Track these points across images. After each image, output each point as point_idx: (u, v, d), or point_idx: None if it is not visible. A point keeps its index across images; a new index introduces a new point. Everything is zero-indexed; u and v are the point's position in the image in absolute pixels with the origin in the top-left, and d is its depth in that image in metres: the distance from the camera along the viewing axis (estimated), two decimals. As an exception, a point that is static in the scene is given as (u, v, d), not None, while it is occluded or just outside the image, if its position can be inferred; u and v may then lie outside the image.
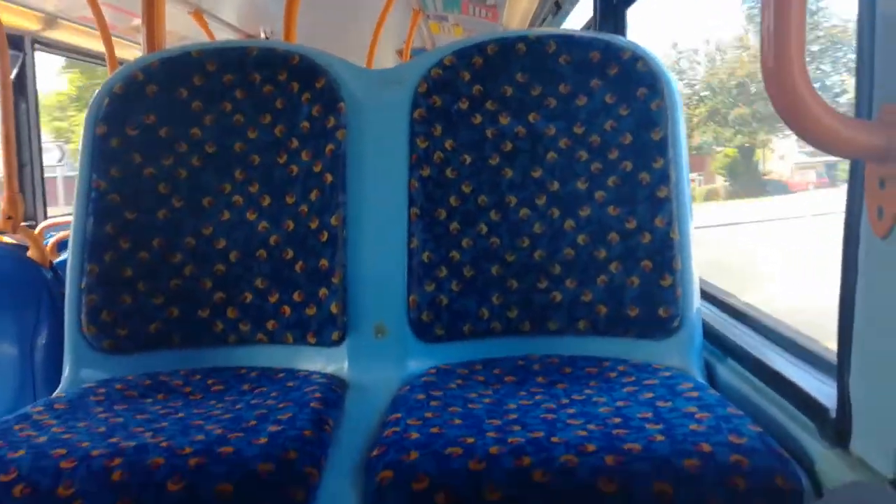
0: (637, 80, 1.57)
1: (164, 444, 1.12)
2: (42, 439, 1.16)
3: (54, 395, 1.46)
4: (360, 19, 5.17)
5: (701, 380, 1.42)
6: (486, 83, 1.62)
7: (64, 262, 1.69)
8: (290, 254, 1.60)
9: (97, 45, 4.00)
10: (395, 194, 1.59)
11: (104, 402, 1.37)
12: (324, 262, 1.56)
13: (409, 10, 5.10)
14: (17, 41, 3.53)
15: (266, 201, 1.63)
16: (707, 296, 1.70)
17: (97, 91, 1.69)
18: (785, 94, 0.86)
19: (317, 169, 1.60)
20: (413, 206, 1.57)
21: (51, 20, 3.95)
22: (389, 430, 1.18)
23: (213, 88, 1.66)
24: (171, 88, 1.66)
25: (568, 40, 1.62)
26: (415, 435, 1.13)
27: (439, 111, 1.61)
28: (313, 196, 1.60)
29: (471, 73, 1.62)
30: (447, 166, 1.59)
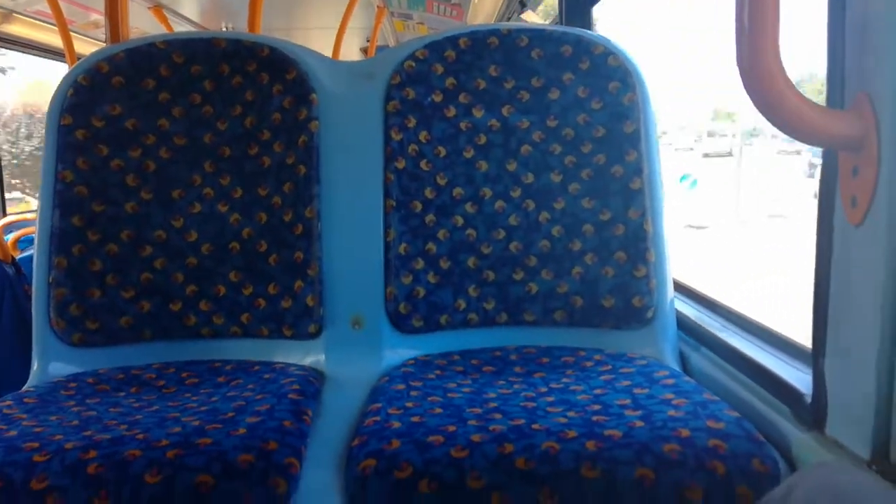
0: (609, 75, 1.58)
1: (140, 436, 1.10)
2: (13, 433, 1.13)
3: (23, 389, 1.42)
4: (324, 17, 5.13)
5: (676, 368, 1.44)
6: (459, 76, 1.62)
7: (26, 259, 1.65)
8: (264, 246, 1.58)
9: (55, 40, 3.91)
10: (369, 186, 1.58)
11: (76, 396, 1.34)
12: (299, 255, 1.55)
13: (373, 8, 5.08)
14: (-30, 35, 3.43)
15: (238, 193, 1.61)
16: (680, 287, 1.73)
17: (60, 82, 1.65)
18: (760, 83, 0.87)
19: (290, 161, 1.59)
20: (388, 198, 1.57)
21: (6, 14, 3.84)
22: (370, 420, 1.17)
23: (181, 80, 1.64)
24: (137, 80, 1.63)
25: (540, 34, 1.63)
26: (396, 424, 1.13)
27: (413, 103, 1.61)
28: (287, 188, 1.58)
29: (444, 66, 1.62)
30: (422, 159, 1.59)
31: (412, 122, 1.60)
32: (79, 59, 2.43)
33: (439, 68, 1.62)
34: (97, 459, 1.04)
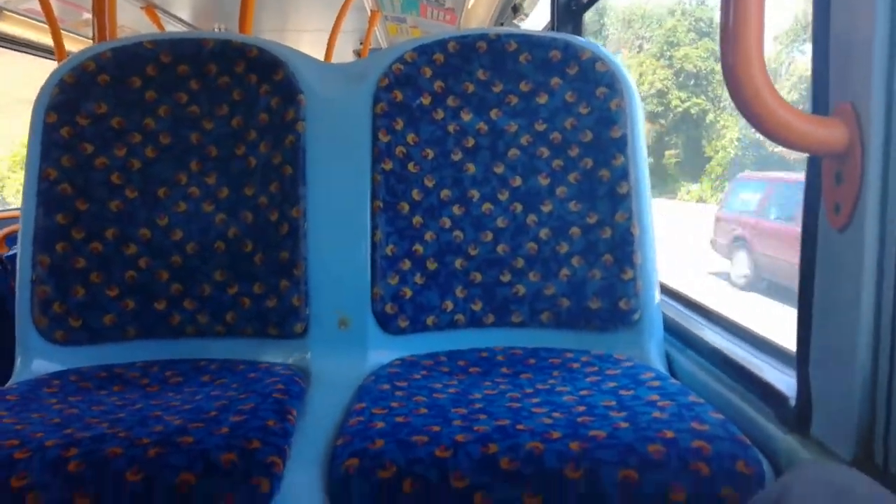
0: (596, 80, 1.59)
1: (121, 434, 1.09)
2: None
3: (6, 386, 1.41)
4: (318, 19, 5.14)
5: (662, 370, 1.45)
6: (447, 79, 1.62)
7: (13, 256, 1.64)
8: (250, 246, 1.57)
9: (45, 39, 3.90)
10: (356, 187, 1.58)
11: (58, 394, 1.33)
12: (284, 255, 1.54)
13: (367, 12, 5.09)
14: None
15: (224, 193, 1.61)
16: (667, 290, 1.73)
17: (46, 79, 1.64)
18: (745, 90, 0.88)
19: (276, 161, 1.59)
20: (375, 199, 1.57)
21: (-4, 11, 3.83)
22: (354, 420, 1.17)
23: (168, 79, 1.63)
24: (123, 78, 1.62)
25: (528, 39, 1.64)
26: (380, 424, 1.13)
27: (401, 106, 1.61)
28: (273, 188, 1.58)
29: (432, 70, 1.62)
30: (409, 160, 1.59)
31: (400, 125, 1.60)
32: None
33: (428, 71, 1.62)
34: (78, 457, 1.03)
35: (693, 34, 18.35)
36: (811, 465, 0.93)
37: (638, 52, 19.01)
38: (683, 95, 17.90)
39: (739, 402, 1.21)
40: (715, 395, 1.27)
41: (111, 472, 1.01)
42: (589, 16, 2.80)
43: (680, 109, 17.67)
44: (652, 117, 17.10)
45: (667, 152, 17.20)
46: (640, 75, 17.70)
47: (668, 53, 18.22)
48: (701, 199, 15.95)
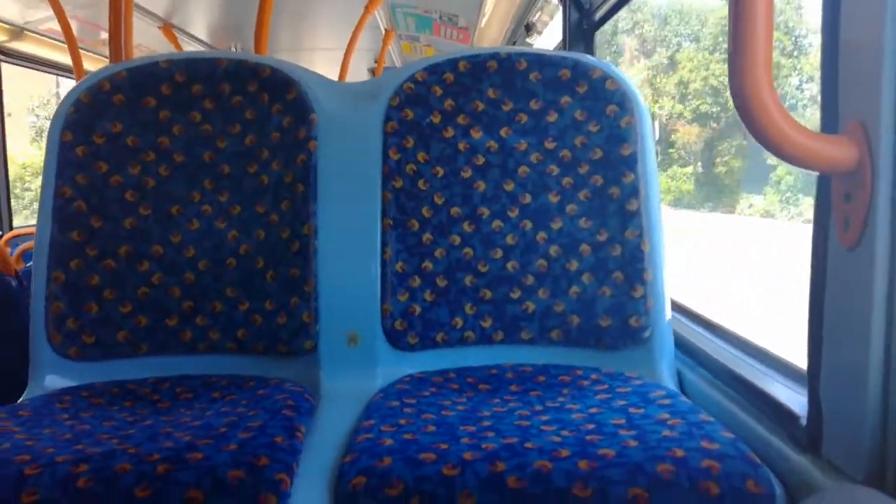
0: (606, 98, 1.60)
1: (131, 450, 1.09)
2: (5, 446, 1.13)
3: (19, 401, 1.42)
4: (332, 38, 5.19)
5: (673, 388, 1.44)
6: (457, 98, 1.63)
7: (30, 271, 1.66)
8: (261, 263, 1.58)
9: (64, 58, 3.96)
10: (367, 205, 1.59)
11: (70, 409, 1.34)
12: (295, 271, 1.55)
13: (381, 31, 5.13)
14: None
15: (236, 210, 1.62)
16: (678, 307, 1.72)
17: (63, 99, 1.67)
18: (753, 109, 0.89)
19: (288, 179, 1.60)
20: (386, 216, 1.58)
21: (17, 31, 3.90)
22: (362, 437, 1.17)
23: (182, 98, 1.65)
24: (138, 98, 1.65)
25: (538, 58, 1.65)
26: (388, 441, 1.12)
27: (411, 124, 1.62)
28: (284, 206, 1.59)
29: (442, 88, 1.64)
30: (420, 178, 1.60)
31: (410, 143, 1.61)
32: None
33: (438, 90, 1.63)
34: (88, 473, 1.04)
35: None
36: (831, 489, 0.92)
37: (677, 50, 17.39)
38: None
39: (750, 420, 1.20)
40: (726, 413, 1.26)
41: (120, 489, 1.02)
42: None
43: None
44: (702, 119, 15.71)
45: (717, 160, 15.07)
46: (691, 71, 15.95)
47: (726, 45, 16.22)
48: (767, 214, 13.52)
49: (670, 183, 15.47)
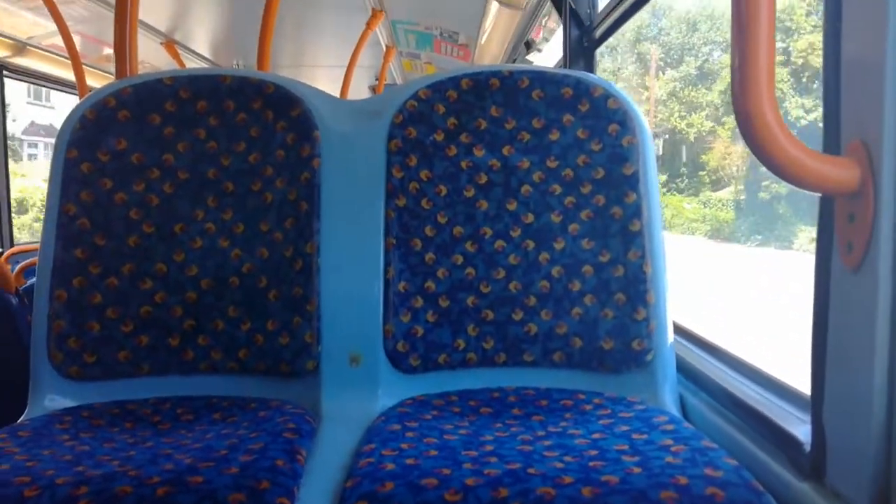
0: (608, 117, 1.60)
1: (131, 473, 1.08)
2: (5, 467, 1.12)
3: (18, 421, 1.41)
4: (334, 55, 5.22)
5: (675, 413, 1.43)
6: (460, 116, 1.64)
7: (30, 288, 1.65)
8: (264, 282, 1.58)
9: (68, 74, 3.98)
10: (370, 224, 1.58)
11: (70, 430, 1.33)
12: (298, 291, 1.55)
13: (382, 48, 5.16)
14: (-16, 68, 3.50)
15: (239, 229, 1.62)
16: (680, 330, 1.72)
17: (67, 115, 1.67)
18: (756, 130, 0.88)
19: (291, 197, 1.60)
20: (389, 235, 1.57)
21: (20, 47, 3.91)
22: (364, 461, 1.16)
23: (187, 115, 1.66)
24: (143, 115, 1.65)
25: (540, 76, 1.65)
26: (390, 466, 1.12)
27: (414, 142, 1.62)
28: (288, 224, 1.59)
29: (445, 106, 1.64)
30: (422, 197, 1.60)
31: (413, 161, 1.61)
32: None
33: (441, 108, 1.63)
34: (88, 496, 1.03)
35: (816, 17, 12.74)
36: None
37: (706, 60, 15.88)
38: (808, 103, 12.53)
39: (753, 447, 1.19)
40: (728, 439, 1.25)
41: None
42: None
43: (804, 121, 12.21)
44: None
45: (764, 183, 12.31)
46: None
47: (783, 45, 12.55)
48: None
49: (704, 210, 14.11)
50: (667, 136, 16.55)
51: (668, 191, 15.42)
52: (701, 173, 15.05)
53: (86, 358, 1.53)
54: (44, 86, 4.47)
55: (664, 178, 15.88)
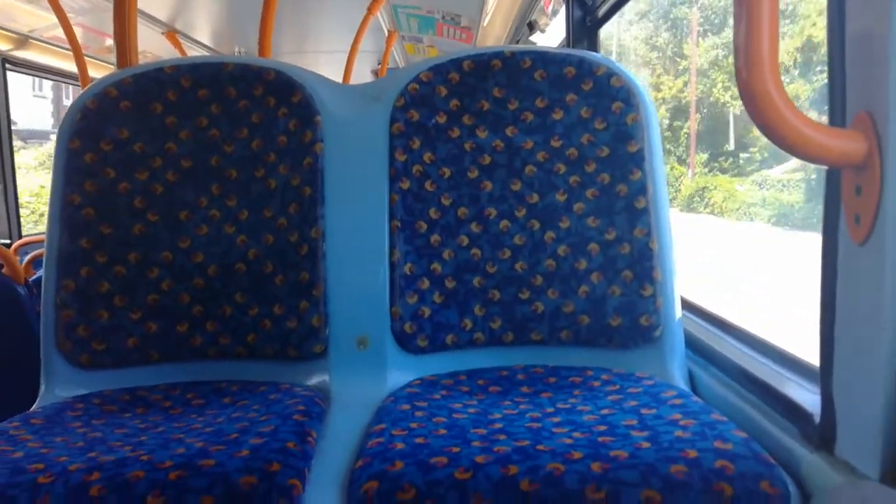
0: (612, 95, 1.59)
1: (143, 457, 1.09)
2: (18, 454, 1.14)
3: (31, 410, 1.43)
4: (335, 41, 5.20)
5: (684, 387, 1.43)
6: (463, 98, 1.63)
7: (40, 279, 1.66)
8: (270, 267, 1.58)
9: (70, 66, 3.98)
10: (374, 207, 1.58)
11: (82, 417, 1.34)
12: (304, 275, 1.55)
13: (384, 32, 5.14)
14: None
15: (244, 215, 1.62)
16: (689, 305, 1.72)
17: (69, 106, 1.67)
18: (760, 103, 0.88)
19: (295, 182, 1.60)
20: (393, 218, 1.57)
21: (22, 40, 3.91)
22: (374, 441, 1.16)
23: (188, 103, 1.66)
24: (144, 104, 1.65)
25: (543, 56, 1.64)
26: (399, 445, 1.12)
27: (417, 125, 1.61)
28: (292, 209, 1.59)
29: (448, 89, 1.63)
30: (426, 179, 1.60)
31: (416, 144, 1.61)
32: None
33: (443, 90, 1.63)
34: (100, 481, 1.04)
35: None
36: (845, 488, 0.91)
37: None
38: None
39: (763, 419, 1.19)
40: (738, 412, 1.25)
41: (133, 496, 1.02)
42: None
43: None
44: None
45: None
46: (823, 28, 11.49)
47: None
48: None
49: (762, 193, 12.85)
50: (705, 111, 15.38)
51: (709, 171, 14.40)
52: (752, 150, 13.96)
53: (95, 346, 1.55)
54: (46, 78, 4.47)
55: (705, 156, 14.87)
